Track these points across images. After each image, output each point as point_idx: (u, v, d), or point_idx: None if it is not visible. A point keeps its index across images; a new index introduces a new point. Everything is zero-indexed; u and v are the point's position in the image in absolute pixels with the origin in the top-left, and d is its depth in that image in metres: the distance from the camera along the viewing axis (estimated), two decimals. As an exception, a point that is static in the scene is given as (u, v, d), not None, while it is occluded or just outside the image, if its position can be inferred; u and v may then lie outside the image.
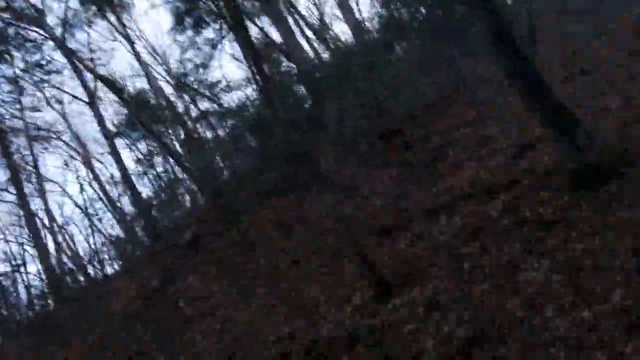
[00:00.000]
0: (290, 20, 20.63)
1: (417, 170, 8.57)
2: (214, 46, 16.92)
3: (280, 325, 6.02)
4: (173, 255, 11.75)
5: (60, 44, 17.64)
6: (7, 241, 27.97)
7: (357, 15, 21.72)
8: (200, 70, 23.29)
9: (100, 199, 23.82)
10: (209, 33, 16.57)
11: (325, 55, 21.27)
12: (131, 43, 18.27)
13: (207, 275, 10.09)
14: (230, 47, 20.86)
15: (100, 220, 21.99)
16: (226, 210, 13.35)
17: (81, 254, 23.36)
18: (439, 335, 4.08)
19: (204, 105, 25.90)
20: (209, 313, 7.93)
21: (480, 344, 3.73)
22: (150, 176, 23.50)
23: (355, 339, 4.90)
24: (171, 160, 20.71)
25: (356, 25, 20.66)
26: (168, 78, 25.36)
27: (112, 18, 20.22)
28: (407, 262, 5.77)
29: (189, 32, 16.06)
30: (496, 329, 3.82)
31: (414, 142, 9.74)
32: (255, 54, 15.47)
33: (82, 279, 20.85)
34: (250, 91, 21.56)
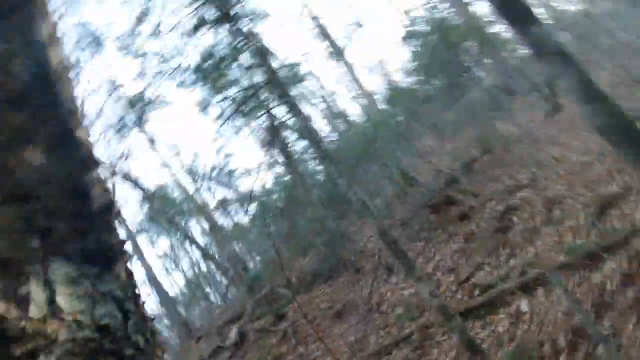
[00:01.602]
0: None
1: (483, 242, 8.09)
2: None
3: None
4: (222, 359, 10.94)
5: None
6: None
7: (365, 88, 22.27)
8: (221, 164, 23.39)
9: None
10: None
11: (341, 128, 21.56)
12: (151, 141, 18.41)
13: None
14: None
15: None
16: (268, 302, 12.69)
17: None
18: None
19: (222, 194, 25.84)
20: None
21: None
22: (176, 272, 22.93)
23: None
24: (197, 252, 20.29)
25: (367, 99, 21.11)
26: (183, 170, 25.50)
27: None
28: (521, 350, 5.15)
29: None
30: None
31: (469, 211, 9.33)
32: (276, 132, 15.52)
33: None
34: (269, 175, 21.53)
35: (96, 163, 0.74)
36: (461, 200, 10.02)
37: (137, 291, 0.61)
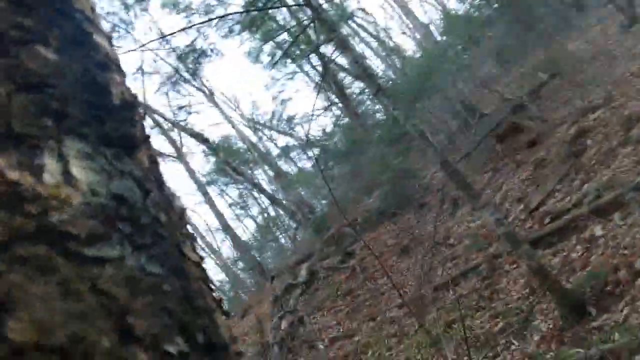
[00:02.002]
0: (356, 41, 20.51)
1: (555, 168, 7.71)
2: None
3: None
4: (294, 295, 11.48)
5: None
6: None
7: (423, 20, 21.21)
8: (278, 109, 23.61)
9: (202, 248, 24.61)
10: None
11: (396, 64, 20.88)
12: (211, 94, 18.78)
13: (338, 312, 9.68)
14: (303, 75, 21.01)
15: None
16: (336, 242, 13.00)
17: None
18: None
19: (284, 141, 26.22)
20: (362, 352, 7.44)
21: None
22: (246, 218, 24.00)
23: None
24: (264, 199, 21.00)
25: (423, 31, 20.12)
26: (243, 121, 26.00)
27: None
28: (594, 275, 4.96)
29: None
30: None
31: (538, 137, 8.87)
32: (334, 77, 15.31)
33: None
34: (329, 119, 21.48)
35: (118, 67, 0.74)
36: (529, 127, 9.52)
37: (161, 177, 0.62)
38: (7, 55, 0.51)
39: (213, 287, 0.57)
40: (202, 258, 0.58)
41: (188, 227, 0.66)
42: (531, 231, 6.84)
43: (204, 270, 0.58)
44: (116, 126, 0.58)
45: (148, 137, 0.68)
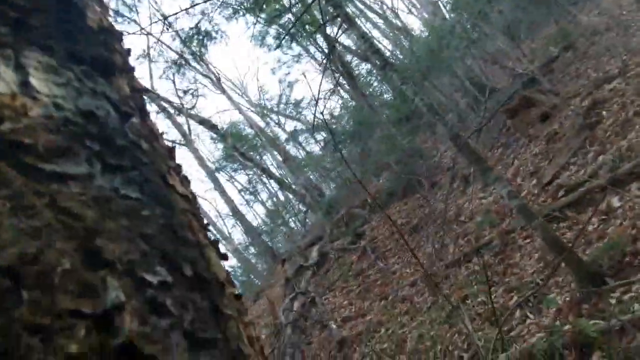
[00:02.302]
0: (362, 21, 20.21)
1: (568, 141, 7.55)
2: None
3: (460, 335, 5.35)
4: (305, 277, 11.51)
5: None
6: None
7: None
8: (285, 92, 23.48)
9: (213, 234, 24.79)
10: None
11: (404, 44, 20.55)
12: (217, 79, 18.66)
13: (349, 292, 9.68)
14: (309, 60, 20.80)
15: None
16: (346, 223, 12.97)
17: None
18: None
19: (292, 125, 26.12)
20: (375, 331, 7.44)
21: None
22: (256, 203, 24.06)
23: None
24: (273, 184, 21.00)
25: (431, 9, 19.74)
26: (251, 107, 25.90)
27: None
28: (611, 246, 4.86)
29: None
30: None
31: (550, 111, 8.68)
32: (341, 59, 15.12)
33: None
34: (337, 102, 21.29)
35: (100, 1, 0.67)
36: (541, 101, 9.32)
37: (145, 108, 0.55)
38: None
39: (207, 225, 0.51)
40: (193, 194, 0.52)
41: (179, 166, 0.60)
42: (545, 205, 6.72)
43: (195, 206, 0.51)
44: (90, 47, 0.51)
45: (131, 67, 0.61)
